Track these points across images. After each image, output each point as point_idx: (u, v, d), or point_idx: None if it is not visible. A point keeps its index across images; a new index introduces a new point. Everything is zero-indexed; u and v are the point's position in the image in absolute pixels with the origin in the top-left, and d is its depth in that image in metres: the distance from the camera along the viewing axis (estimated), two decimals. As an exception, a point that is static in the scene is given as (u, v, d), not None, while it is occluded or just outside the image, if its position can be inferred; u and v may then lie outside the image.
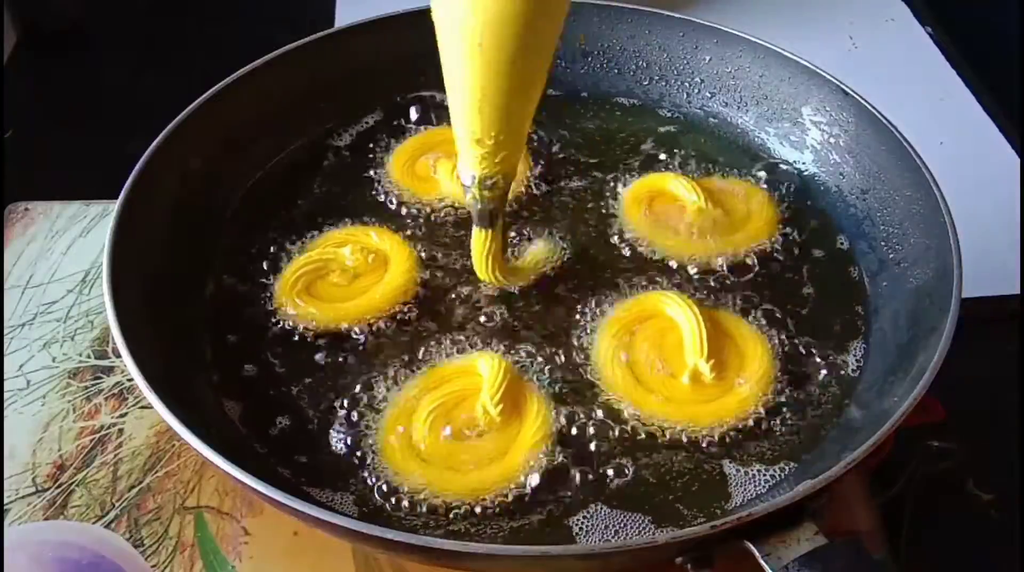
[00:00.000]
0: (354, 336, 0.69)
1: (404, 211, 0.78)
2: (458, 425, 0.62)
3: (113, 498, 0.68)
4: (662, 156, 0.83)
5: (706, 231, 0.75)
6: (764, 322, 0.70)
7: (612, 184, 0.80)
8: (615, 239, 0.75)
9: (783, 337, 0.69)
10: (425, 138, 0.83)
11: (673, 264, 0.73)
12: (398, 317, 0.70)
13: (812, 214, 0.78)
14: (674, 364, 0.66)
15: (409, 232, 0.76)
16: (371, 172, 0.81)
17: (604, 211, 0.78)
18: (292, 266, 0.72)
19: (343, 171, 0.82)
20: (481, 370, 0.64)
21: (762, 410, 0.64)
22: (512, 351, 0.68)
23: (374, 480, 0.61)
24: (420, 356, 0.67)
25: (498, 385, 0.63)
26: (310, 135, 0.84)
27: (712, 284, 0.72)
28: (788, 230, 0.76)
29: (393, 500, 0.60)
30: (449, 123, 0.65)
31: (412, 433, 0.62)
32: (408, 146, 0.82)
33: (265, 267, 0.74)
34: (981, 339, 0.69)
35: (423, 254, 0.74)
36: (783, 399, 0.65)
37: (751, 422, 0.63)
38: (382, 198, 0.79)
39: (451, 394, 0.64)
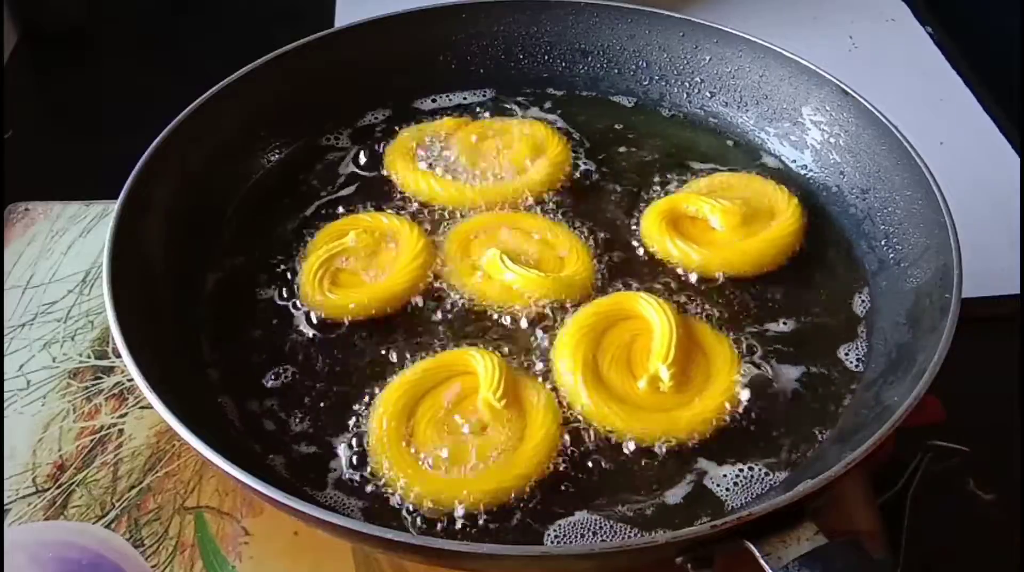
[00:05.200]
0: (357, 331, 0.69)
1: (403, 208, 0.78)
2: (459, 427, 0.62)
3: (113, 498, 0.68)
4: (663, 157, 0.83)
5: (740, 228, 0.73)
6: (763, 321, 0.70)
7: (616, 186, 0.80)
8: (638, 249, 0.75)
9: (782, 337, 0.69)
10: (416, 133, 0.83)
11: (682, 270, 0.73)
12: (399, 311, 0.70)
13: (812, 214, 0.78)
14: (638, 367, 0.65)
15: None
16: (371, 171, 0.81)
17: (609, 214, 0.78)
18: (309, 264, 0.72)
19: (342, 170, 0.82)
20: (476, 368, 0.64)
21: (721, 428, 0.63)
22: (500, 345, 0.68)
23: (375, 480, 0.61)
24: (419, 353, 0.67)
25: (498, 381, 0.63)
26: (310, 135, 0.84)
27: (711, 284, 0.72)
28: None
29: (394, 499, 0.60)
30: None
31: (414, 442, 0.61)
32: (401, 142, 0.82)
33: (265, 266, 0.74)
34: (981, 339, 0.69)
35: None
36: (767, 407, 0.64)
37: (749, 422, 0.64)
38: (382, 196, 0.79)
39: (447, 395, 0.63)
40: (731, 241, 0.73)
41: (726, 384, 0.64)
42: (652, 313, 0.66)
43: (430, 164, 0.80)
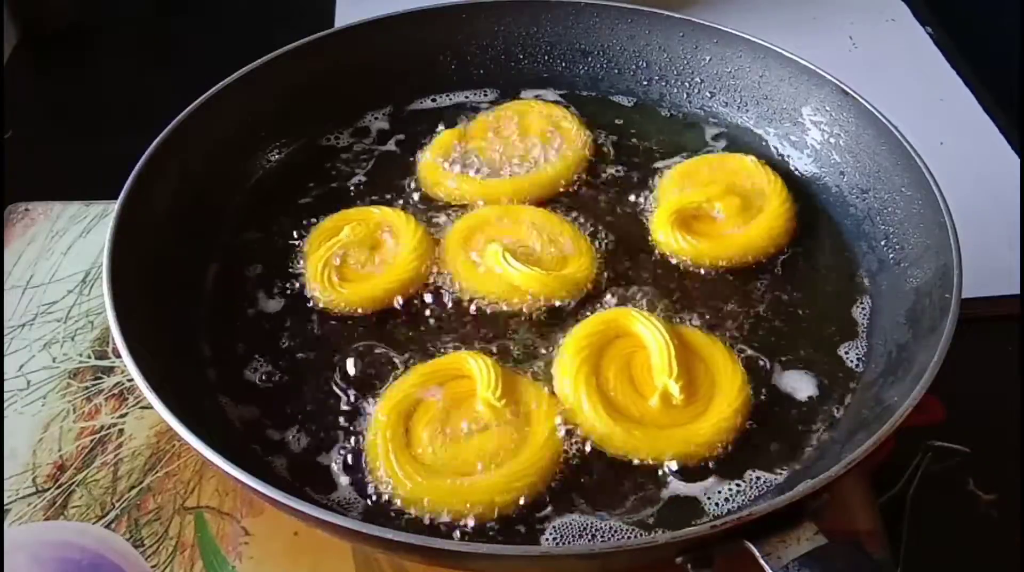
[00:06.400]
0: (357, 329, 0.69)
1: (404, 204, 0.78)
2: (458, 430, 0.62)
3: (113, 498, 0.68)
4: (663, 156, 0.83)
5: (741, 212, 0.75)
6: (762, 322, 0.70)
7: (616, 184, 0.80)
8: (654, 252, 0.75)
9: (781, 338, 0.69)
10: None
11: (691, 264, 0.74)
12: (400, 306, 0.70)
13: (812, 214, 0.78)
14: (643, 386, 0.64)
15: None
16: (371, 170, 0.82)
17: (609, 210, 0.78)
18: (314, 261, 0.72)
19: (342, 171, 0.82)
20: (471, 371, 0.64)
21: (737, 433, 0.62)
22: (500, 344, 0.68)
23: (375, 480, 0.61)
24: (419, 351, 0.68)
25: (495, 381, 0.63)
26: (310, 135, 0.84)
27: (715, 278, 0.72)
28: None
29: (394, 502, 0.60)
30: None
31: (413, 448, 0.61)
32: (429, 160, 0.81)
33: (266, 266, 0.74)
34: (981, 339, 0.69)
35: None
36: (768, 407, 0.64)
37: (749, 422, 0.63)
38: (382, 195, 0.79)
39: (444, 401, 0.63)
40: (735, 227, 0.74)
41: (735, 390, 0.63)
42: (644, 329, 0.66)
43: (462, 167, 0.80)
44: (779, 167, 0.81)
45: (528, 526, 0.59)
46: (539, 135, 0.82)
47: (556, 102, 0.87)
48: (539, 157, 0.80)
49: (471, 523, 0.58)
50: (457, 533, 0.58)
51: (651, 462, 0.61)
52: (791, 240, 0.75)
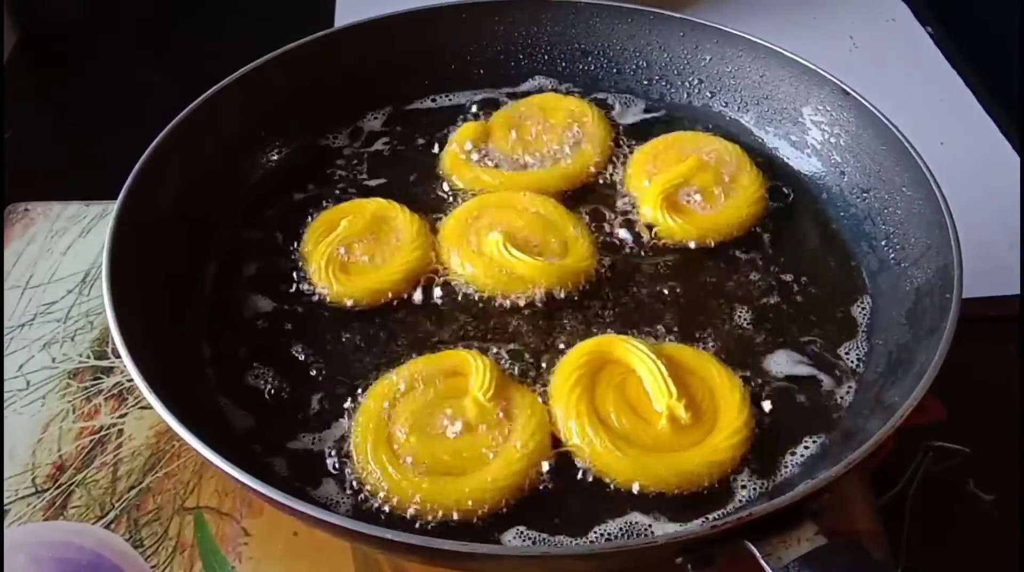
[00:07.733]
0: (355, 325, 0.69)
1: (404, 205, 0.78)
2: (442, 429, 0.61)
3: (113, 499, 0.68)
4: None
5: (715, 185, 0.76)
6: (763, 322, 0.70)
7: (618, 179, 0.80)
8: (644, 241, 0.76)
9: (782, 338, 0.69)
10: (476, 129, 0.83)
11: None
12: (400, 300, 0.71)
13: (812, 214, 0.78)
14: (644, 411, 0.62)
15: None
16: (369, 170, 0.82)
17: (610, 205, 0.78)
18: (316, 256, 0.72)
19: (343, 170, 0.82)
20: (466, 369, 0.64)
21: (752, 442, 0.62)
22: (497, 340, 0.68)
23: (359, 476, 0.60)
24: (418, 346, 0.68)
25: (489, 382, 0.62)
26: (310, 135, 0.84)
27: (708, 279, 0.72)
28: (788, 229, 0.76)
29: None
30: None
31: (399, 446, 0.61)
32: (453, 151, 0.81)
33: (265, 266, 0.74)
34: (981, 339, 0.69)
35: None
36: (768, 408, 0.64)
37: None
38: (382, 194, 0.79)
39: (434, 398, 0.63)
40: (717, 199, 0.76)
41: (737, 397, 0.63)
42: (631, 357, 0.64)
43: (485, 159, 0.81)
44: (780, 167, 0.81)
45: (527, 526, 0.59)
46: (564, 128, 0.82)
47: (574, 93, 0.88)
48: (565, 150, 0.81)
49: (467, 520, 0.58)
50: (454, 529, 0.58)
51: (676, 490, 0.60)
52: (770, 210, 0.77)
